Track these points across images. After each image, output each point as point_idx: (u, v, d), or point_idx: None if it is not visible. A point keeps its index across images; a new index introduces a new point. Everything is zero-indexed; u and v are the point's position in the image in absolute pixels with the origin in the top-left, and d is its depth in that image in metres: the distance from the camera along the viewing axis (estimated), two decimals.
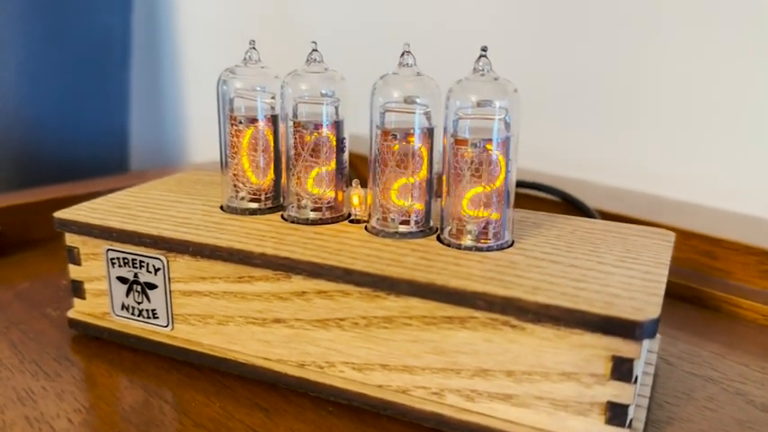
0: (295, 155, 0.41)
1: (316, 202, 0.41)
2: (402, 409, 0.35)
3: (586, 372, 0.31)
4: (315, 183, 0.41)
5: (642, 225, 0.41)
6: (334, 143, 0.41)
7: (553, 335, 0.31)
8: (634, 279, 0.33)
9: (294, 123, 0.40)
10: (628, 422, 0.31)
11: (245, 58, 0.42)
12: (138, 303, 0.41)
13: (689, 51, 0.60)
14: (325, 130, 0.40)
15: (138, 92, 1.08)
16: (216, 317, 0.39)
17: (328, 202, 0.41)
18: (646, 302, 0.30)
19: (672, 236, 0.40)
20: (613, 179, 0.66)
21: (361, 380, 0.36)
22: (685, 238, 0.51)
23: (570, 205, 0.57)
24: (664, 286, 0.32)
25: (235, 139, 0.43)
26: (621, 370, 0.30)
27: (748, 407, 0.37)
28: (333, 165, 0.41)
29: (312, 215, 0.41)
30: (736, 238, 0.50)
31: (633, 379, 0.30)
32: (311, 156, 0.40)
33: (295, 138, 0.41)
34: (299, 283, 0.36)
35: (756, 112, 0.57)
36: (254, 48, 0.42)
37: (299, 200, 0.41)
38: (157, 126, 1.15)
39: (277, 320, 0.37)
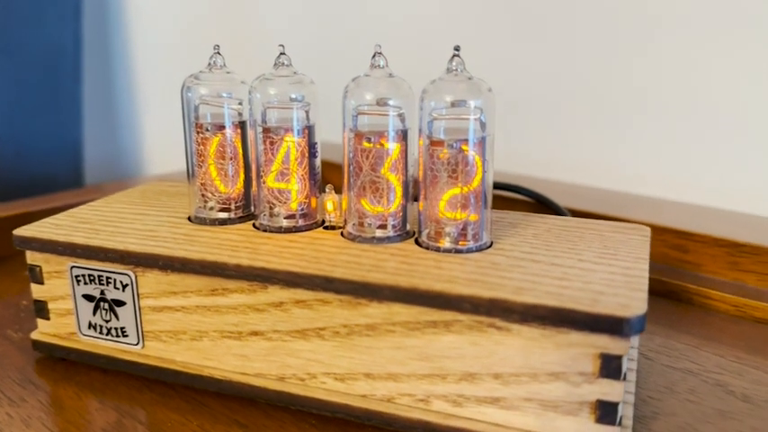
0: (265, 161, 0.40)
1: (278, 200, 0.40)
2: (387, 419, 0.34)
3: (574, 371, 0.30)
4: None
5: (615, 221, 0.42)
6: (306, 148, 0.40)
7: (539, 335, 0.30)
8: (615, 275, 0.33)
9: (263, 129, 0.39)
10: (618, 420, 0.30)
11: (209, 64, 0.41)
12: (107, 322, 0.39)
13: (653, 49, 0.61)
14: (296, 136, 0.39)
15: (91, 104, 1.05)
16: (189, 332, 0.38)
17: (302, 209, 0.40)
18: (631, 298, 0.30)
19: (647, 231, 0.40)
20: (580, 178, 0.67)
21: (344, 390, 0.35)
22: (656, 233, 0.52)
23: (541, 205, 0.58)
24: (646, 281, 0.32)
25: (201, 147, 0.41)
26: (610, 367, 0.30)
27: (729, 397, 0.37)
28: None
29: (285, 223, 0.40)
30: (704, 231, 0.51)
31: (622, 376, 0.30)
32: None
33: (265, 144, 0.40)
34: (276, 293, 0.35)
35: (722, 108, 0.58)
36: (218, 53, 0.41)
37: (270, 207, 0.40)
38: (111, 139, 1.12)
39: (254, 333, 0.36)
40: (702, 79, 0.58)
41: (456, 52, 0.35)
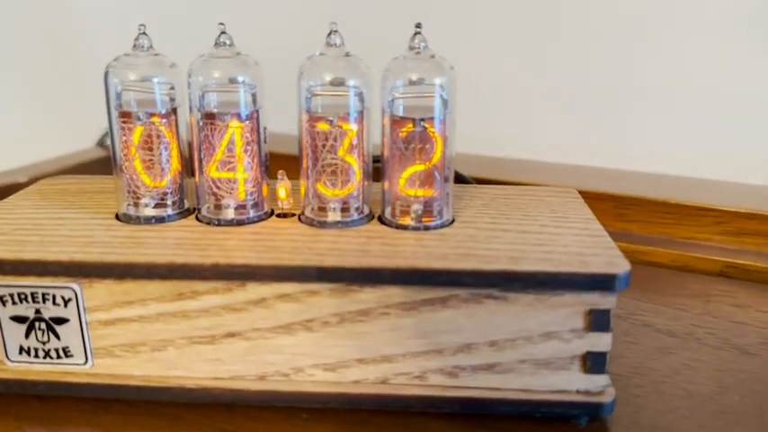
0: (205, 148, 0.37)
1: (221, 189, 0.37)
2: (383, 399, 0.34)
3: (566, 328, 0.33)
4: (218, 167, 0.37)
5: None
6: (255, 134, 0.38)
7: (535, 299, 0.32)
8: (582, 237, 0.35)
9: (204, 115, 0.37)
10: (606, 368, 0.33)
11: (134, 45, 0.37)
12: (44, 343, 0.34)
13: (515, 26, 0.65)
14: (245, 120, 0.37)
15: None
16: (149, 343, 0.34)
17: (252, 199, 0.38)
18: (613, 256, 0.33)
19: (576, 192, 0.43)
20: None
21: (334, 380, 0.34)
22: None
23: None
24: (610, 238, 0.35)
25: (128, 138, 0.37)
26: (600, 321, 0.32)
27: (659, 335, 0.42)
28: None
29: (235, 214, 0.37)
30: (591, 188, 0.56)
31: (610, 327, 0.32)
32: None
33: (206, 131, 0.37)
34: (255, 290, 0.33)
35: (594, 69, 0.64)
36: (144, 33, 0.37)
37: (217, 199, 0.38)
38: None
39: (230, 335, 0.34)
40: (573, 53, 0.64)
41: (418, 29, 0.35)
